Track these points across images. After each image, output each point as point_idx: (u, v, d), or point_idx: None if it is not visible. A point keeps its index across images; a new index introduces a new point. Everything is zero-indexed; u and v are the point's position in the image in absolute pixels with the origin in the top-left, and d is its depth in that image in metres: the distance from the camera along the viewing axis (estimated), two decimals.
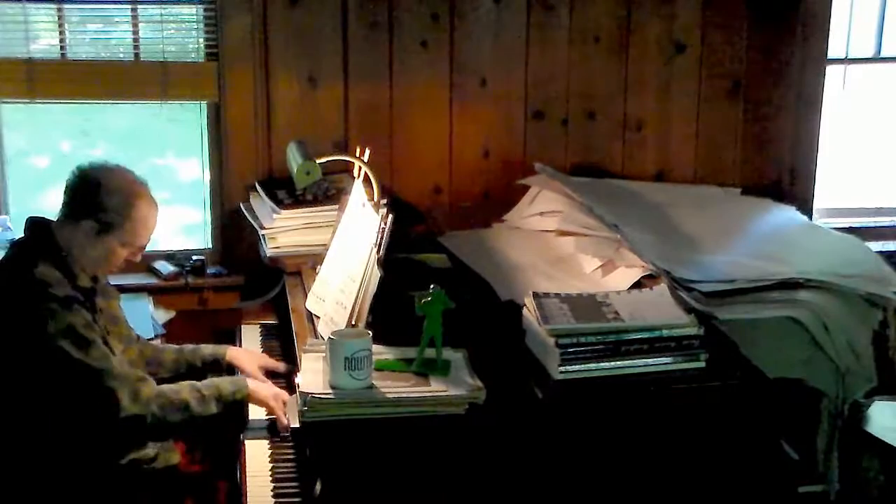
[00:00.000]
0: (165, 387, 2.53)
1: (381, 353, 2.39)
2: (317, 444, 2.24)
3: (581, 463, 2.31)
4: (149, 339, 3.18)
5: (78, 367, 2.42)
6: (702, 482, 2.38)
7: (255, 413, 2.72)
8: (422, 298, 2.35)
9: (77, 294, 2.51)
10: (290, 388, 2.64)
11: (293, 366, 2.97)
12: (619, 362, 2.39)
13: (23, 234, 2.63)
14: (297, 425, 2.27)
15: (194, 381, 2.59)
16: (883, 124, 4.44)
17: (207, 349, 2.96)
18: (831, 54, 3.98)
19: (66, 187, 2.62)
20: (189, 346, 2.99)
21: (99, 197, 2.56)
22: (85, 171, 2.61)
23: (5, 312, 2.47)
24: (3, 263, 2.61)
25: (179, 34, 3.63)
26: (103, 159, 2.66)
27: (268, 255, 3.32)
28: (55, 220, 2.61)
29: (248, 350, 3.05)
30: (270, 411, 2.60)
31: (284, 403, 2.60)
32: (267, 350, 3.12)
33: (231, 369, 2.91)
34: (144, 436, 2.56)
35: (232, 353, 2.95)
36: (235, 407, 2.58)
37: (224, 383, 2.60)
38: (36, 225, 2.62)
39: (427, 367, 2.35)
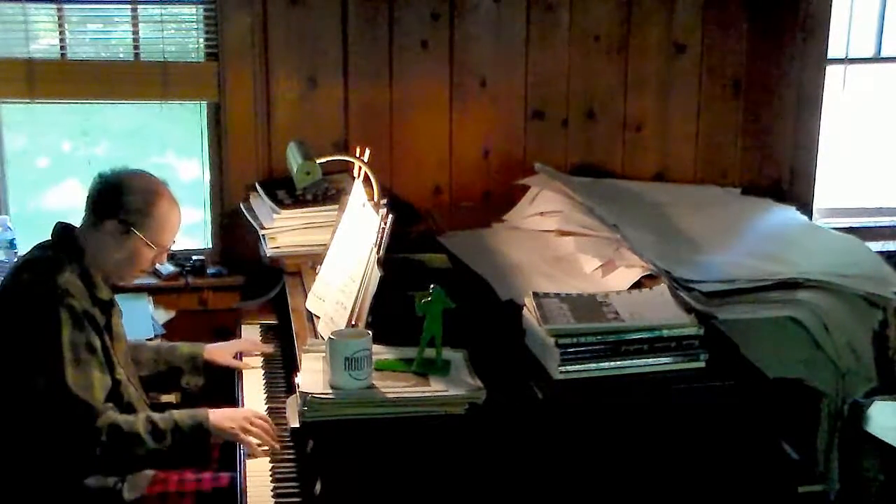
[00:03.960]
0: (121, 418, 2.47)
1: (381, 353, 2.39)
2: (317, 444, 2.25)
3: (581, 463, 2.31)
4: (148, 340, 3.19)
5: (62, 384, 2.40)
6: (702, 482, 2.38)
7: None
8: (422, 298, 2.35)
9: (95, 310, 2.52)
10: (289, 385, 2.64)
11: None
12: (619, 362, 2.39)
13: (49, 238, 2.64)
14: (297, 425, 2.27)
15: (152, 413, 2.53)
16: (883, 124, 4.43)
17: (185, 348, 2.96)
18: (831, 54, 3.98)
19: (88, 194, 2.63)
20: (166, 345, 2.99)
21: (120, 197, 2.57)
22: (105, 175, 2.63)
23: (22, 313, 2.47)
24: (27, 263, 2.59)
25: (179, 34, 3.63)
26: (125, 165, 2.67)
27: (268, 255, 3.32)
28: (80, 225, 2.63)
29: (224, 344, 3.04)
30: (237, 440, 2.51)
31: (254, 425, 2.52)
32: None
33: (209, 367, 2.92)
34: (94, 467, 2.48)
35: (208, 351, 2.95)
36: (198, 438, 2.51)
37: (182, 416, 2.51)
38: (62, 229, 2.63)
39: (427, 367, 2.35)
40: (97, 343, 2.50)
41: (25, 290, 2.50)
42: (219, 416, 2.53)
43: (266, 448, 2.50)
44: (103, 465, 2.48)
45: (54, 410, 2.42)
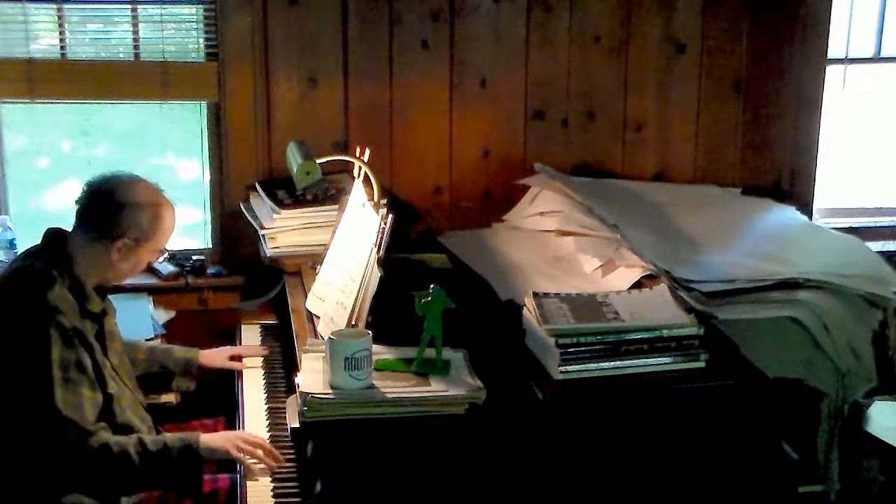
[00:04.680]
0: (113, 439, 2.41)
1: (381, 353, 2.39)
2: (317, 444, 2.25)
3: (581, 463, 2.30)
4: (148, 340, 3.19)
5: (51, 404, 2.35)
6: (702, 482, 2.38)
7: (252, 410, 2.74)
8: (422, 298, 2.35)
9: (85, 322, 2.49)
10: (289, 385, 2.64)
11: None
12: (619, 362, 2.39)
13: (40, 243, 2.59)
14: (297, 425, 2.27)
15: (144, 436, 2.46)
16: (883, 124, 4.43)
17: (179, 352, 2.95)
18: (831, 54, 3.98)
19: (84, 206, 2.57)
20: (161, 346, 2.99)
21: (125, 216, 2.53)
22: (101, 188, 2.57)
23: (10, 330, 2.41)
24: (16, 273, 2.53)
25: (179, 34, 3.63)
26: (112, 172, 2.62)
27: (268, 255, 3.32)
28: (70, 232, 2.58)
29: (219, 349, 3.04)
30: (234, 459, 2.45)
31: (248, 443, 2.47)
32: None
33: (205, 372, 2.93)
34: (81, 487, 2.44)
35: (203, 356, 2.96)
36: (188, 462, 2.43)
37: (173, 438, 2.45)
38: (53, 236, 2.58)
39: (427, 367, 2.35)
40: (87, 361, 2.45)
41: (13, 305, 2.44)
42: (210, 437, 2.48)
43: (263, 467, 2.44)
44: (91, 486, 2.44)
45: (43, 430, 2.37)
